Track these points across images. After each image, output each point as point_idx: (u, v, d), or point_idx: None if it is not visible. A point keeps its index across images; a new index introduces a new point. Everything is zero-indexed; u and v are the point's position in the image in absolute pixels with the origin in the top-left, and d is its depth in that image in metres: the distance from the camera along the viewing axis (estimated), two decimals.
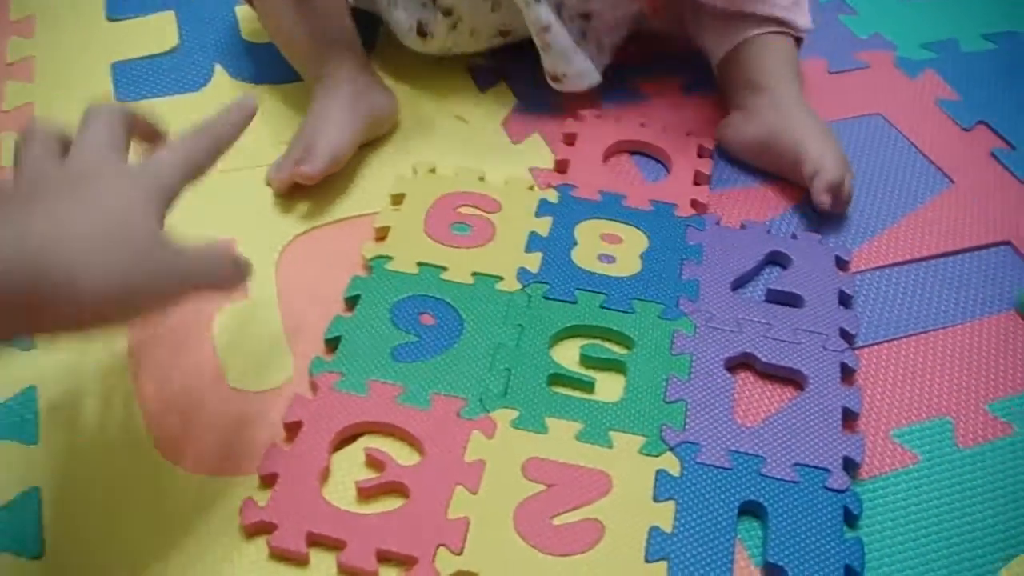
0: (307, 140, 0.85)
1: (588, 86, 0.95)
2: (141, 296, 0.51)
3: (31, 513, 0.63)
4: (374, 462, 0.66)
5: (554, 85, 0.95)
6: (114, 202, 0.52)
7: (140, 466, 0.66)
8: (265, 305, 0.77)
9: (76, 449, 0.67)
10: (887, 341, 0.78)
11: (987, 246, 0.87)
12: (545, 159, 0.92)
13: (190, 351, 0.74)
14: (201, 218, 0.82)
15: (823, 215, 0.86)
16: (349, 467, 0.66)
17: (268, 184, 0.86)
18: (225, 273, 0.58)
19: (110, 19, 1.10)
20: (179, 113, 0.94)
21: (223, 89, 1.00)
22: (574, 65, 0.93)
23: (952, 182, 0.93)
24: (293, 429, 0.67)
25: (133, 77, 1.01)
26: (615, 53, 1.00)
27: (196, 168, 0.58)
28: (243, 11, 1.10)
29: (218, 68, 1.02)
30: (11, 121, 0.95)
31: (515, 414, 0.69)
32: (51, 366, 0.72)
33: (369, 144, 0.91)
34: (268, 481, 0.64)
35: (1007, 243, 0.87)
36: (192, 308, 0.75)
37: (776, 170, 0.90)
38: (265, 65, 1.02)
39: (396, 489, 0.64)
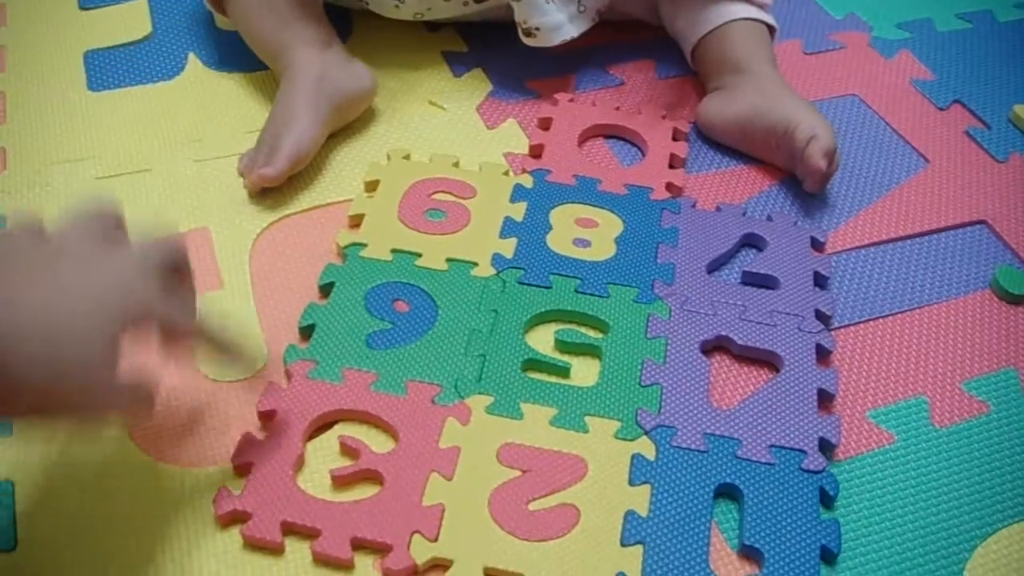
0: (271, 138, 0.84)
1: (561, 41, 0.93)
2: (55, 398, 0.50)
3: (4, 506, 0.62)
4: (349, 450, 0.65)
5: (526, 40, 0.93)
6: (75, 292, 0.51)
7: (115, 457, 0.66)
8: (239, 294, 0.77)
9: (50, 440, 0.66)
10: (863, 322, 0.78)
11: (963, 225, 0.87)
12: (520, 144, 0.91)
13: None
14: (175, 207, 0.83)
15: (806, 192, 0.87)
16: (324, 455, 0.66)
17: (240, 175, 0.85)
18: (131, 406, 0.56)
19: (83, 8, 1.09)
20: (152, 102, 0.95)
21: (196, 77, 0.99)
22: (548, 17, 0.91)
23: (928, 162, 0.93)
24: (267, 418, 0.67)
25: (105, 66, 1.00)
26: (597, 17, 0.98)
27: (171, 311, 0.57)
28: None
29: (191, 56, 1.01)
30: None
31: (490, 400, 0.68)
32: None
33: (343, 130, 0.91)
34: (242, 470, 0.64)
35: (983, 222, 0.88)
36: None
37: (757, 149, 0.90)
38: (239, 53, 1.01)
39: (371, 477, 0.64)
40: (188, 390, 0.70)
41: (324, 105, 0.86)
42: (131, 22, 1.06)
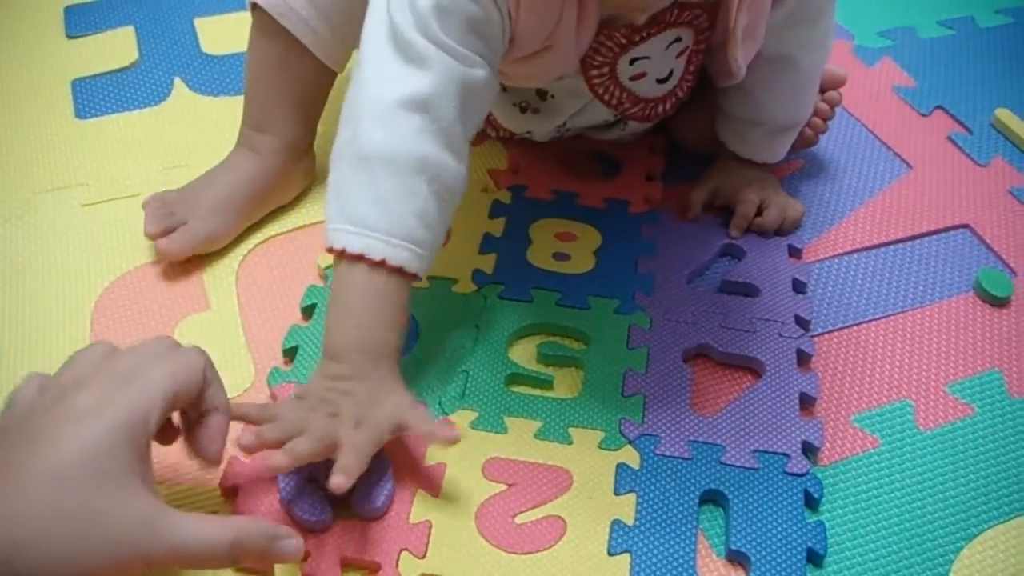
0: (190, 207, 0.81)
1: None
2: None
3: None
4: None
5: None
6: (70, 456, 0.50)
7: None
8: (226, 314, 0.78)
9: None
10: (848, 327, 0.78)
11: (946, 230, 0.88)
12: (502, 160, 0.92)
13: None
14: None
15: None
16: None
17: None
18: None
19: (70, 36, 1.10)
20: (139, 128, 0.95)
21: (182, 102, 1.00)
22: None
23: (910, 168, 0.94)
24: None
25: (92, 93, 1.01)
26: None
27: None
28: (203, 24, 1.10)
29: (177, 81, 1.02)
30: None
31: (474, 415, 0.69)
32: (7, 379, 0.72)
33: (322, 152, 0.90)
34: (230, 493, 0.64)
35: (965, 226, 0.88)
36: (154, 318, 0.76)
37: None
38: (224, 77, 1.02)
39: None
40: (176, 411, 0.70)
41: (255, 213, 0.85)
42: (118, 49, 1.07)
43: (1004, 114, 0.99)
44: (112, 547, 0.49)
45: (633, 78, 0.77)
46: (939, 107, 1.01)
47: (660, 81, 0.78)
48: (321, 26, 0.81)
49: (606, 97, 0.78)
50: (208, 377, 0.59)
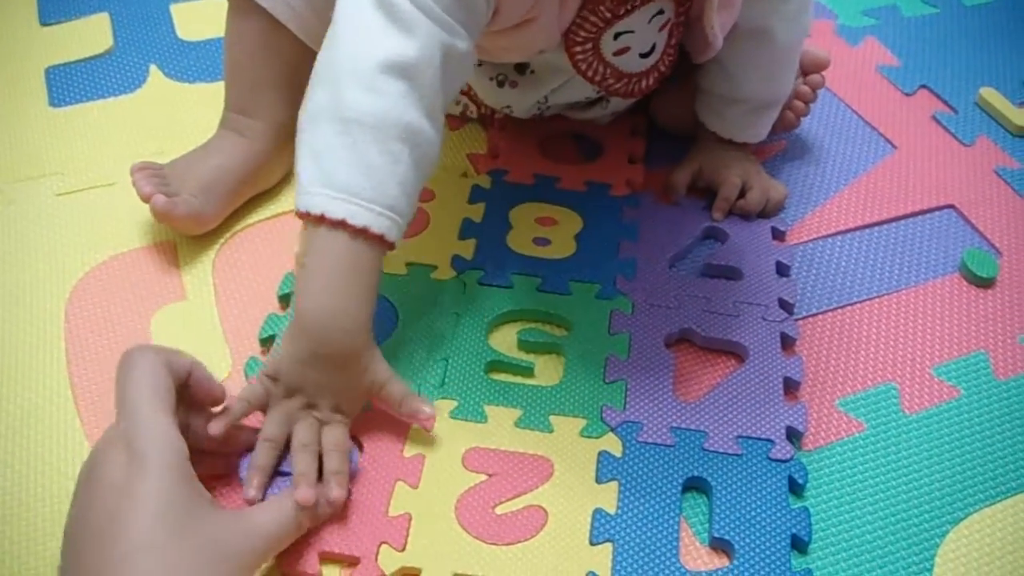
0: (179, 184, 0.80)
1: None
2: None
3: None
4: None
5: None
6: (146, 523, 0.51)
7: (77, 468, 0.64)
8: (203, 304, 0.77)
9: (12, 448, 0.67)
10: (832, 310, 0.78)
11: (931, 210, 0.87)
12: (482, 145, 0.91)
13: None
14: (140, 220, 0.82)
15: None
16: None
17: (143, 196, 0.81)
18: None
19: (43, 24, 1.08)
20: (114, 115, 0.94)
21: (158, 89, 0.98)
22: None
23: (895, 148, 0.93)
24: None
25: (67, 81, 1.00)
26: None
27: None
28: (178, 10, 1.09)
29: (153, 68, 1.01)
30: None
31: (453, 404, 0.68)
32: None
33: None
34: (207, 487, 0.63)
35: (950, 206, 0.87)
36: (129, 309, 0.76)
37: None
38: (200, 63, 1.01)
39: None
40: None
41: (242, 196, 0.84)
42: (92, 36, 1.06)
43: (989, 93, 0.98)
44: (228, 566, 0.53)
45: (616, 53, 0.76)
46: (923, 86, 1.01)
47: (643, 55, 0.77)
48: (299, 3, 0.79)
49: (589, 73, 0.77)
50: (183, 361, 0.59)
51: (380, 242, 0.63)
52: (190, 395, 0.60)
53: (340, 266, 0.62)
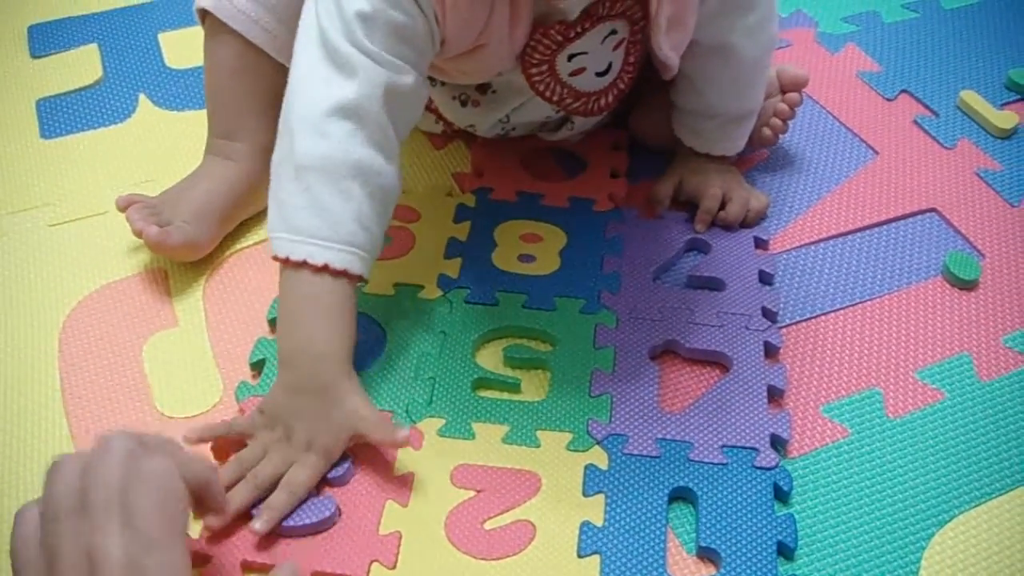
0: (171, 213, 0.81)
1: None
2: None
3: None
4: None
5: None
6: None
7: None
8: (194, 330, 0.78)
9: (7, 478, 0.68)
10: (816, 317, 0.78)
11: (913, 214, 0.88)
12: (465, 164, 0.92)
13: (121, 378, 0.75)
14: (131, 248, 0.83)
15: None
16: None
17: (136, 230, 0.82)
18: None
19: (34, 57, 1.09)
20: (105, 145, 0.95)
21: (148, 118, 0.99)
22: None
23: (876, 153, 0.94)
24: (222, 455, 0.67)
25: (57, 113, 1.01)
26: None
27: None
28: (167, 38, 1.10)
29: (142, 97, 1.02)
30: None
31: (441, 422, 0.69)
32: None
33: None
34: (198, 513, 0.64)
35: (933, 210, 0.88)
36: (122, 337, 0.77)
37: None
38: (188, 92, 1.02)
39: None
40: (145, 428, 0.70)
41: (233, 220, 0.85)
42: (82, 67, 1.07)
43: (970, 96, 0.99)
44: None
45: (572, 73, 0.77)
46: (904, 91, 1.01)
47: (599, 74, 0.79)
48: (273, 24, 0.81)
49: (547, 94, 0.78)
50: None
51: (345, 276, 0.67)
52: (195, 499, 0.58)
53: (307, 303, 0.67)
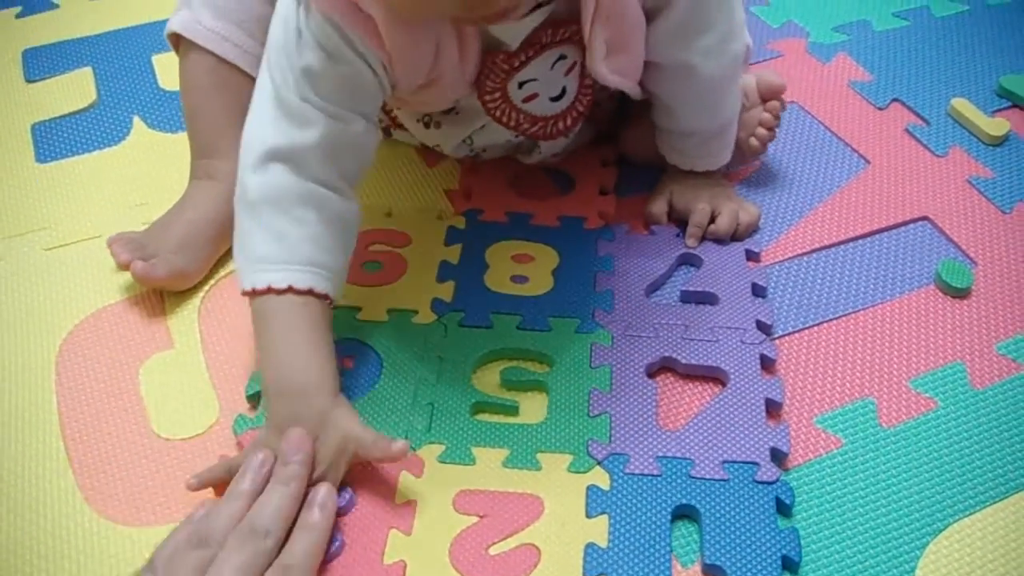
0: (157, 246, 0.82)
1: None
2: None
3: None
4: None
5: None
6: None
7: (70, 518, 0.67)
8: (190, 352, 0.78)
9: (4, 501, 0.69)
10: (808, 328, 0.79)
11: (905, 223, 0.88)
12: (455, 184, 0.92)
13: (118, 400, 0.75)
14: (126, 272, 0.82)
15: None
16: None
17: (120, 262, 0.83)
18: None
19: (28, 81, 1.10)
20: (99, 168, 0.96)
21: (141, 140, 1.00)
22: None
23: (868, 163, 0.94)
24: (221, 485, 0.67)
25: (53, 137, 1.02)
26: None
27: None
28: (160, 60, 1.10)
29: (136, 120, 1.03)
30: None
31: (441, 448, 0.69)
32: None
33: None
34: None
35: (925, 219, 0.88)
36: (118, 360, 0.78)
37: None
38: (181, 113, 1.02)
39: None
40: (142, 451, 0.71)
41: (222, 244, 0.85)
42: (76, 91, 1.08)
43: (961, 103, 0.99)
44: None
45: (526, 100, 0.78)
46: (896, 100, 1.02)
47: (554, 99, 0.79)
48: (243, 39, 0.82)
49: (504, 119, 0.79)
50: None
51: (311, 295, 0.68)
52: None
53: (279, 332, 0.68)
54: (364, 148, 0.73)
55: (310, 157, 0.69)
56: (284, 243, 0.68)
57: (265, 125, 0.70)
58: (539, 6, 0.70)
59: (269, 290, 0.67)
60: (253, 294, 0.68)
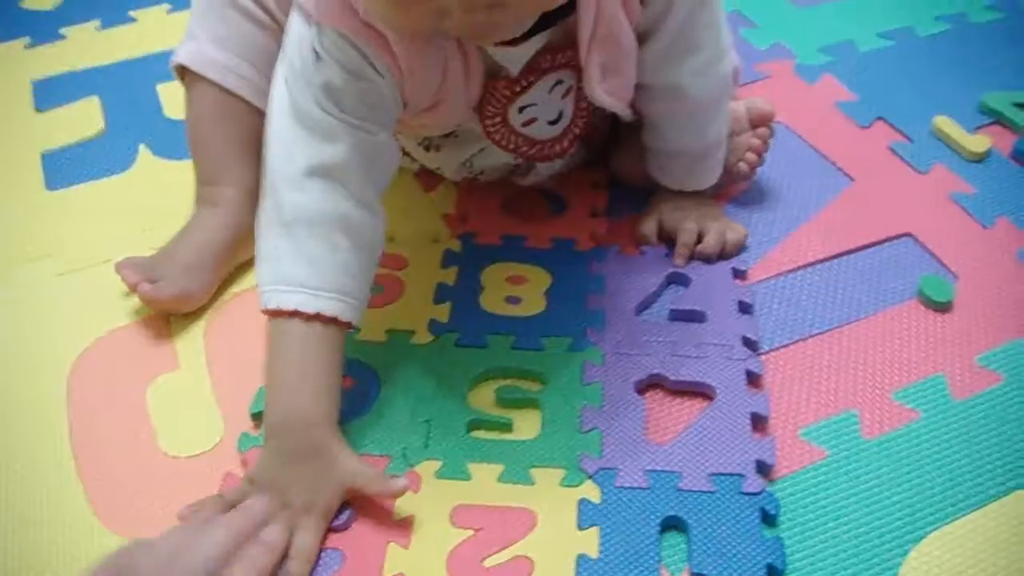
0: (163, 271, 0.84)
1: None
2: None
3: None
4: None
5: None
6: None
7: (81, 533, 0.70)
8: (195, 373, 0.81)
9: (18, 519, 0.71)
10: (794, 343, 0.81)
11: (889, 239, 0.90)
12: (451, 208, 0.95)
13: (128, 421, 0.77)
14: (134, 295, 0.85)
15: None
16: None
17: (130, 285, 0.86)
18: None
19: (39, 110, 1.13)
20: (107, 195, 0.99)
21: (147, 168, 1.03)
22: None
23: (852, 180, 0.96)
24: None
25: (62, 164, 1.04)
26: None
27: None
28: (165, 89, 1.13)
29: (142, 148, 1.06)
30: None
31: (438, 464, 0.71)
32: None
33: None
34: None
35: (908, 235, 0.90)
36: (126, 381, 0.80)
37: None
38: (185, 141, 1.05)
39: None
40: (149, 468, 0.74)
41: (227, 267, 0.88)
42: (85, 119, 1.11)
43: (943, 121, 1.01)
44: None
45: (525, 124, 0.81)
46: (880, 118, 1.04)
47: (551, 123, 0.82)
48: (247, 70, 0.85)
49: (503, 143, 0.82)
50: None
51: (335, 324, 0.69)
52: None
53: (297, 359, 0.69)
54: (391, 158, 0.75)
55: (350, 172, 0.71)
56: (316, 267, 0.69)
57: (291, 144, 0.71)
58: (537, 30, 0.72)
59: (295, 313, 0.69)
60: (276, 313, 0.69)
